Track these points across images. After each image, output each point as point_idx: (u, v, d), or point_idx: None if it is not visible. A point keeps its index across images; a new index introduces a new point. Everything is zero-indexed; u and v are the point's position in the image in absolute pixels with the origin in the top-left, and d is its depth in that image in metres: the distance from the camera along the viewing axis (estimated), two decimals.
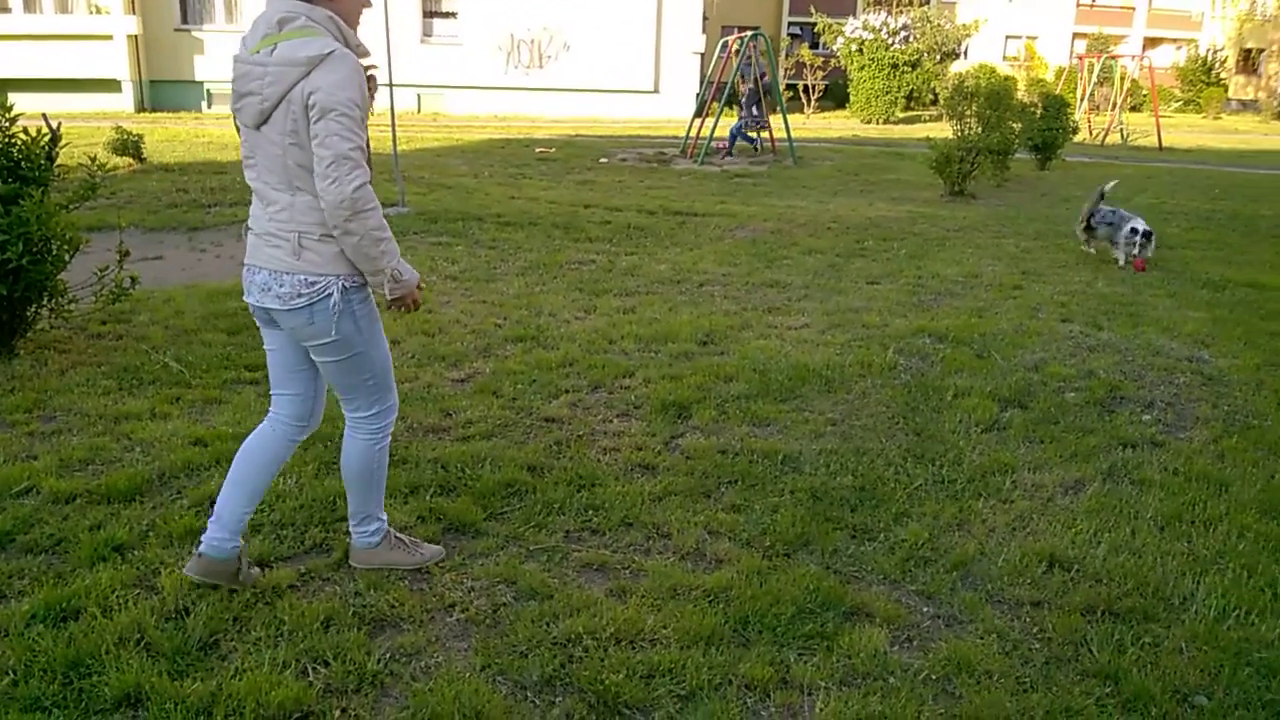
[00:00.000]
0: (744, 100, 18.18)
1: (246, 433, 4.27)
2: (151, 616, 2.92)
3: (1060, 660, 2.90)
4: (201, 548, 3.05)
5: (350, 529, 3.28)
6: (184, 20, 27.11)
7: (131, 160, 13.62)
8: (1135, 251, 8.26)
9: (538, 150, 17.76)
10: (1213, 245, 9.97)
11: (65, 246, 5.44)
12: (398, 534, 3.33)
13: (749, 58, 17.53)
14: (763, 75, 17.75)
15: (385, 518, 3.30)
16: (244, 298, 2.97)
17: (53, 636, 2.80)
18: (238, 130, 2.85)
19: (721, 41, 18.70)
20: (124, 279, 5.73)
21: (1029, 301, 7.24)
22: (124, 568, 3.21)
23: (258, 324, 3.05)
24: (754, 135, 18.33)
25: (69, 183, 5.81)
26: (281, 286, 2.80)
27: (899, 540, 3.57)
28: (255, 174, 2.84)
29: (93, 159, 5.74)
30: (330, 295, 2.79)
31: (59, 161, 5.56)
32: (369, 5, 2.89)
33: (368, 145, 2.75)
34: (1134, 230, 8.30)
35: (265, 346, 3.08)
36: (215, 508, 3.07)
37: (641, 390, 5.11)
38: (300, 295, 2.79)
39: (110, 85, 26.26)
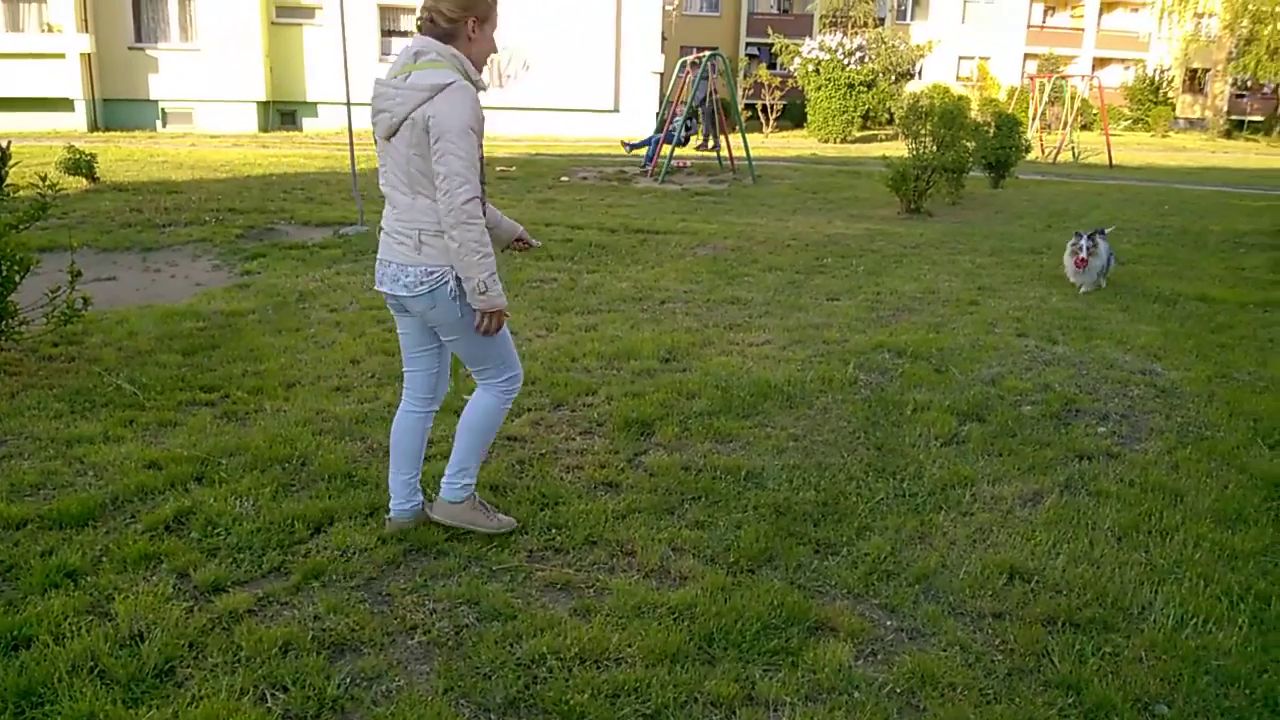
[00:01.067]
0: (681, 117, 18.25)
1: (202, 455, 4.26)
2: (105, 644, 2.85)
3: (1022, 671, 2.92)
4: (390, 514, 3.65)
5: (443, 481, 3.58)
6: (138, 39, 26.79)
7: (84, 180, 13.41)
8: (1082, 253, 8.02)
9: (498, 169, 17.74)
10: (1163, 260, 10.17)
11: (15, 267, 5.34)
12: (480, 499, 3.65)
13: (703, 77, 17.67)
14: (707, 95, 17.87)
15: (475, 480, 3.61)
16: (376, 288, 3.45)
17: (3, 665, 2.73)
18: (375, 143, 3.34)
19: (680, 61, 18.83)
20: (76, 300, 5.63)
21: (985, 317, 7.33)
22: (76, 594, 3.13)
23: (391, 310, 3.55)
24: (649, 150, 18.42)
25: (19, 203, 5.70)
26: (407, 277, 3.28)
27: (862, 554, 3.58)
28: (385, 180, 3.34)
29: (43, 178, 5.65)
30: (447, 283, 3.25)
31: (9, 181, 5.46)
32: (495, 52, 3.37)
33: (482, 165, 3.22)
34: (1077, 234, 8.18)
35: (398, 330, 3.62)
36: (389, 484, 3.65)
37: (604, 408, 5.10)
38: (422, 284, 3.27)
39: (63, 104, 25.86)
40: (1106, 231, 8.53)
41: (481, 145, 3.20)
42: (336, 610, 3.11)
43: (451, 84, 3.09)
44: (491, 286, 3.20)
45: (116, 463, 4.19)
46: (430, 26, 3.22)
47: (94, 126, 26.12)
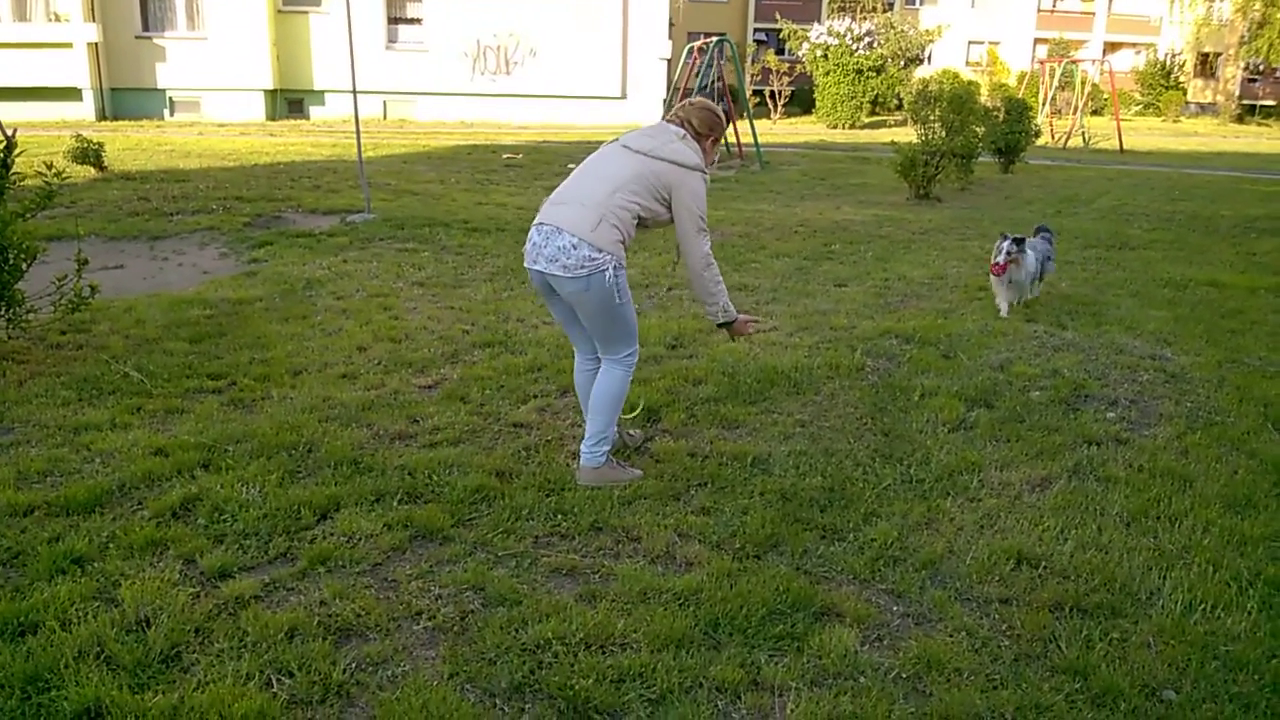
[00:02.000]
0: None
1: (209, 442, 4.28)
2: (111, 629, 2.86)
3: (1029, 657, 2.91)
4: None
5: (582, 449, 4.02)
6: (145, 28, 26.77)
7: (92, 169, 13.42)
8: (999, 257, 6.70)
9: (505, 156, 17.71)
10: (1174, 245, 10.11)
11: (22, 255, 5.35)
12: (615, 460, 4.11)
13: (710, 63, 17.57)
14: (711, 81, 17.67)
15: (611, 444, 4.07)
16: (526, 264, 3.91)
17: (11, 651, 2.74)
18: (601, 146, 4.04)
19: (687, 47, 18.75)
20: (83, 288, 5.64)
21: (994, 302, 7.28)
22: (83, 580, 3.14)
23: (537, 289, 4.00)
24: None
25: (25, 191, 5.70)
26: (568, 258, 3.70)
27: (868, 540, 3.57)
28: (593, 166, 3.95)
29: (49, 166, 5.64)
30: (605, 271, 3.71)
31: (15, 170, 5.46)
32: (714, 163, 4.22)
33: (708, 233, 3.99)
34: (1004, 235, 6.85)
35: (551, 310, 4.13)
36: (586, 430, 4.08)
37: None
38: (583, 267, 3.70)
39: (71, 93, 25.88)
40: (1051, 235, 7.51)
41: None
42: (342, 596, 3.11)
43: (703, 173, 3.91)
44: (731, 311, 4.08)
45: (124, 450, 4.20)
46: (681, 127, 3.95)
47: (102, 115, 26.14)
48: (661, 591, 3.18)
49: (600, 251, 3.70)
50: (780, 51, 36.39)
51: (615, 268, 3.74)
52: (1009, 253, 6.58)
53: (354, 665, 2.79)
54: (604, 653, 2.86)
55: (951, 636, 3.00)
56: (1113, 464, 4.31)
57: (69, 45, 25.62)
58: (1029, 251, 6.80)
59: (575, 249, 3.69)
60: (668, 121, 4.01)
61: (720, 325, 4.14)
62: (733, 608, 3.07)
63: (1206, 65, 48.08)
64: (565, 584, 3.27)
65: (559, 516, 3.71)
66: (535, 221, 3.89)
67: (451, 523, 3.63)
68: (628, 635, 2.94)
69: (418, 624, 3.01)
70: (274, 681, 2.69)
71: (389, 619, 3.02)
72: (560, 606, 3.08)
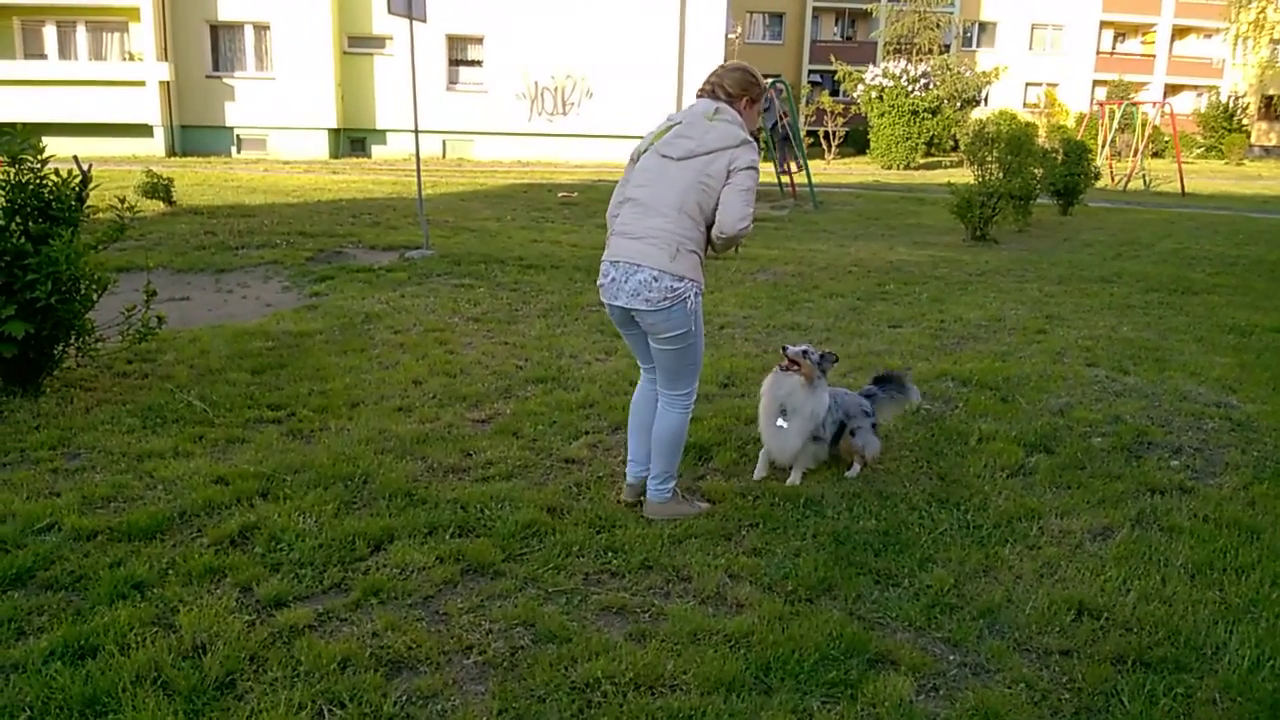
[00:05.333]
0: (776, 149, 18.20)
1: (268, 471, 4.33)
2: (169, 655, 2.90)
3: (1091, 711, 2.82)
4: (630, 479, 4.14)
5: (649, 487, 4.04)
6: (215, 68, 27.67)
7: (162, 203, 13.83)
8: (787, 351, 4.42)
9: (560, 195, 17.91)
10: (1238, 290, 9.88)
11: (93, 286, 5.51)
12: (682, 493, 4.15)
13: (769, 104, 17.65)
14: (777, 121, 17.72)
15: (677, 478, 4.10)
16: (604, 298, 3.89)
17: (70, 674, 2.78)
18: (630, 166, 3.93)
19: None
20: (150, 318, 5.79)
21: (1053, 346, 7.18)
22: (143, 605, 3.20)
23: (614, 322, 3.99)
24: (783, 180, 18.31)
25: (98, 224, 5.89)
26: (651, 292, 3.70)
27: (924, 586, 3.51)
28: (650, 192, 3.79)
29: (122, 200, 5.83)
30: (688, 299, 3.72)
31: (89, 203, 5.65)
32: (755, 127, 4.00)
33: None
34: (809, 349, 4.44)
35: (624, 336, 4.09)
36: (628, 452, 4.16)
37: None
38: (666, 299, 3.70)
39: (142, 130, 26.77)
40: (899, 391, 4.92)
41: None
42: (394, 628, 3.13)
43: (748, 142, 3.77)
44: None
45: (185, 478, 4.28)
46: (713, 95, 3.85)
47: (171, 151, 26.97)
48: (712, 633, 3.15)
49: (682, 280, 3.70)
50: (835, 93, 36.47)
51: (696, 294, 3.76)
52: (805, 353, 4.38)
53: (404, 698, 2.79)
54: (653, 694, 2.83)
55: (1010, 688, 2.92)
56: (1177, 513, 4.20)
57: (142, 83, 26.56)
58: (820, 387, 4.40)
59: (657, 281, 3.69)
60: (699, 95, 3.91)
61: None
62: (784, 652, 3.03)
63: (1271, 108, 47.23)
64: (615, 622, 3.26)
65: (609, 554, 3.70)
66: (608, 257, 3.86)
67: (502, 557, 3.64)
68: (678, 677, 2.91)
69: (468, 658, 3.01)
70: (326, 712, 2.71)
71: (440, 652, 3.03)
72: (610, 645, 3.07)
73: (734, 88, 3.85)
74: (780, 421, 4.38)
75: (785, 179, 18.80)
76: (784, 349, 4.46)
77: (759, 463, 4.58)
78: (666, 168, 3.76)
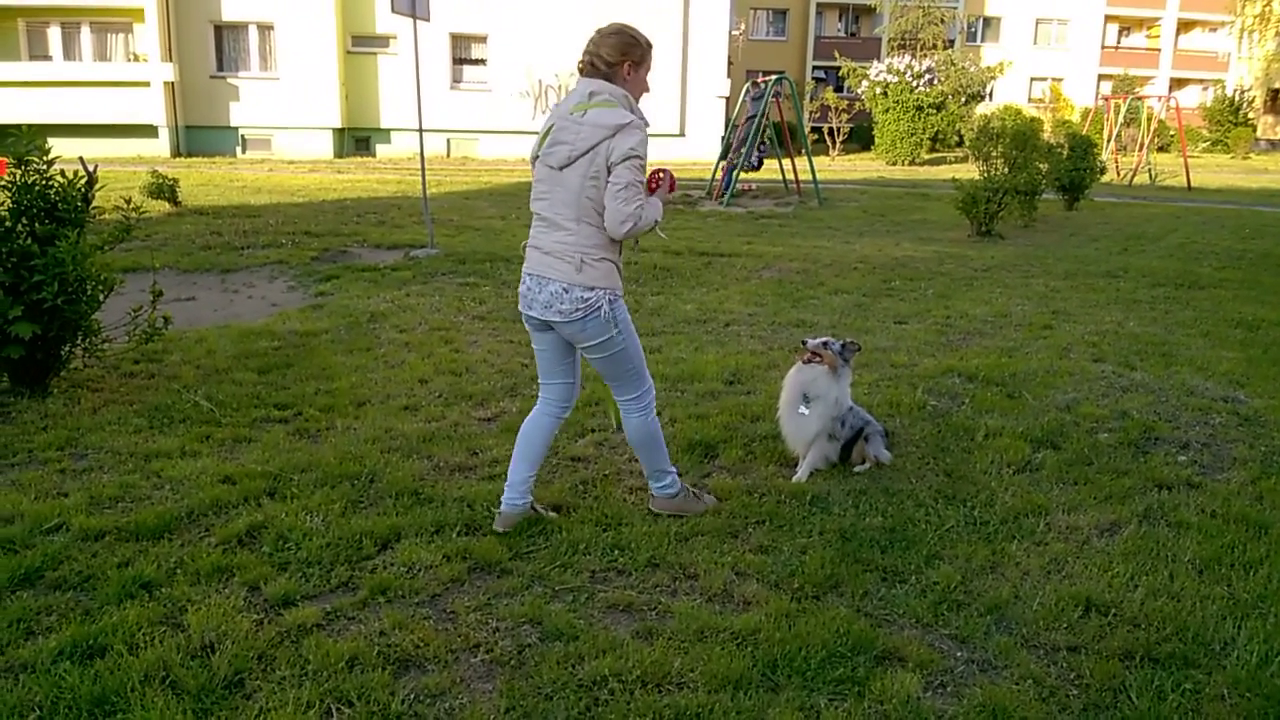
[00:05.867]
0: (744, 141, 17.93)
1: (275, 471, 4.34)
2: (177, 654, 2.91)
3: (1099, 707, 2.82)
4: (502, 507, 3.89)
5: (650, 488, 4.04)
6: (219, 68, 27.71)
7: (167, 203, 13.86)
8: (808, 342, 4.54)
9: None
10: (1245, 285, 9.85)
11: (100, 287, 5.53)
12: (689, 487, 4.12)
13: (758, 97, 17.55)
14: (759, 115, 17.50)
15: (675, 470, 4.05)
16: (521, 308, 3.75)
17: (79, 673, 2.79)
18: (533, 168, 3.70)
19: (746, 86, 18.84)
20: (157, 319, 5.81)
21: (1059, 341, 7.17)
22: (151, 605, 3.21)
23: (530, 330, 3.83)
24: (737, 175, 17.91)
25: (104, 225, 5.91)
26: (563, 304, 3.58)
27: (930, 583, 3.50)
28: (549, 205, 3.62)
29: (127, 201, 5.84)
30: (600, 308, 3.59)
31: (95, 204, 5.66)
32: (648, 92, 3.72)
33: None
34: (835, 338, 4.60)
35: (535, 347, 3.90)
36: (508, 476, 3.91)
37: (668, 430, 5.07)
38: (577, 310, 3.58)
39: (147, 130, 26.82)
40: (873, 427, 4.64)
41: (644, 170, 3.59)
42: (402, 626, 3.13)
43: (629, 124, 3.47)
44: (658, 213, 3.64)
45: (193, 477, 4.29)
46: (591, 69, 3.58)
47: (176, 152, 27.03)
48: (719, 630, 3.15)
49: (593, 290, 3.58)
50: (839, 89, 36.40)
51: (610, 301, 3.63)
52: (825, 344, 4.48)
53: (412, 696, 2.80)
54: (660, 692, 2.83)
55: (1018, 684, 2.92)
56: (1184, 509, 4.19)
57: (146, 84, 26.61)
58: (844, 375, 4.48)
59: (568, 293, 3.57)
60: (578, 70, 3.64)
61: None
62: (791, 649, 3.02)
63: (1277, 101, 47.05)
64: (622, 620, 3.26)
65: (616, 552, 3.71)
66: (524, 268, 3.73)
67: (509, 556, 3.64)
68: (684, 674, 2.91)
69: (475, 656, 3.02)
70: (334, 711, 2.72)
71: (447, 651, 3.03)
72: (617, 643, 3.07)
73: (612, 54, 3.55)
74: (802, 408, 4.42)
75: (789, 175, 18.73)
76: (804, 343, 4.51)
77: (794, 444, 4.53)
78: (555, 177, 3.57)
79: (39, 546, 3.58)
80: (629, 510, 4.07)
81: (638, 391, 3.85)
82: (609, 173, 3.47)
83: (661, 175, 3.77)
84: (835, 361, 4.44)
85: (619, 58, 3.55)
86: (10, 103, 25.13)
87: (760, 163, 18.06)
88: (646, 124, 3.56)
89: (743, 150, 17.63)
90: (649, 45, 3.63)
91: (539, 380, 3.96)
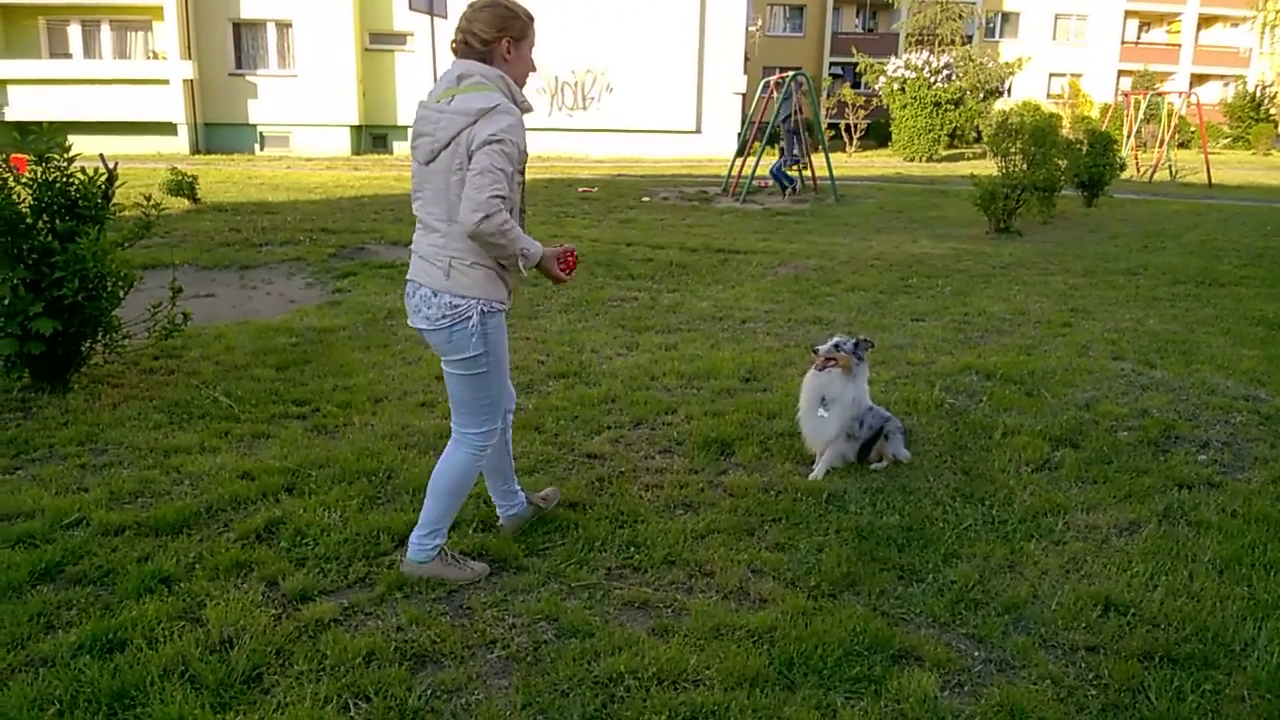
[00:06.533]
0: (784, 139, 18.07)
1: (293, 467, 4.36)
2: (196, 649, 2.93)
3: (1117, 707, 2.80)
4: (501, 520, 3.81)
5: (411, 539, 3.48)
6: (238, 65, 27.86)
7: (186, 200, 13.95)
8: (821, 346, 4.53)
9: (580, 189, 17.91)
10: (1266, 282, 9.76)
11: (120, 283, 5.56)
12: (451, 553, 3.54)
13: (786, 96, 17.55)
14: (792, 114, 17.53)
15: (446, 536, 3.52)
16: (409, 322, 3.39)
17: (99, 667, 2.82)
18: (412, 166, 3.32)
19: (763, 82, 18.80)
20: (176, 315, 5.84)
21: (1079, 339, 7.12)
22: (170, 600, 3.23)
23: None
24: (792, 174, 18.18)
25: (124, 221, 5.94)
26: (430, 309, 3.24)
27: (948, 582, 3.49)
28: (421, 205, 3.28)
29: (147, 198, 5.88)
30: (469, 318, 3.22)
31: (115, 201, 5.70)
32: (535, 71, 3.38)
33: (523, 191, 3.30)
34: (851, 335, 4.67)
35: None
36: (491, 496, 3.79)
37: (684, 427, 5.09)
38: (444, 317, 3.22)
39: (166, 128, 27.00)
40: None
41: (523, 169, 3.24)
42: (419, 622, 3.14)
43: (495, 107, 3.07)
44: (528, 250, 3.18)
45: (211, 473, 4.32)
46: (465, 49, 3.19)
47: (195, 149, 27.20)
48: (735, 628, 3.15)
49: (464, 298, 3.20)
50: (856, 85, 36.28)
51: (483, 313, 3.22)
52: (838, 346, 4.46)
53: (429, 692, 2.81)
54: (676, 689, 2.83)
55: (1035, 684, 2.90)
56: (1205, 508, 4.15)
57: (166, 82, 26.79)
58: (860, 374, 4.49)
59: (436, 298, 3.22)
60: (453, 53, 3.26)
61: (543, 275, 3.38)
62: (808, 647, 3.02)
63: None
64: (638, 617, 3.26)
65: (631, 549, 3.71)
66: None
67: (525, 552, 3.65)
68: (700, 672, 2.91)
69: (492, 653, 3.03)
70: (351, 705, 2.73)
71: (464, 647, 3.04)
72: (632, 640, 3.07)
73: (487, 30, 3.17)
74: (821, 411, 4.41)
75: (803, 171, 18.70)
76: (814, 350, 4.45)
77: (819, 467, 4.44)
78: (424, 173, 3.24)
79: (59, 541, 3.61)
80: (645, 507, 4.07)
81: (481, 428, 3.42)
82: (470, 162, 3.07)
83: (569, 257, 3.42)
84: (850, 363, 4.42)
85: (495, 34, 3.17)
86: (31, 100, 25.36)
87: (798, 159, 18.09)
88: (525, 109, 3.23)
89: (794, 150, 17.69)
90: (530, 18, 3.27)
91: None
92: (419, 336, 3.43)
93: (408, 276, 3.36)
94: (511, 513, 3.83)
